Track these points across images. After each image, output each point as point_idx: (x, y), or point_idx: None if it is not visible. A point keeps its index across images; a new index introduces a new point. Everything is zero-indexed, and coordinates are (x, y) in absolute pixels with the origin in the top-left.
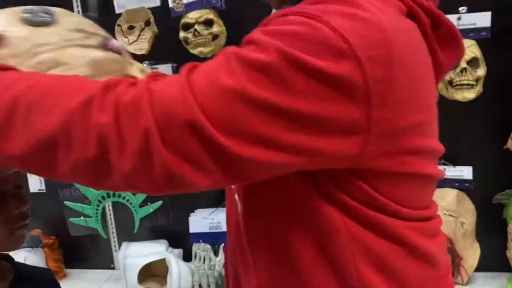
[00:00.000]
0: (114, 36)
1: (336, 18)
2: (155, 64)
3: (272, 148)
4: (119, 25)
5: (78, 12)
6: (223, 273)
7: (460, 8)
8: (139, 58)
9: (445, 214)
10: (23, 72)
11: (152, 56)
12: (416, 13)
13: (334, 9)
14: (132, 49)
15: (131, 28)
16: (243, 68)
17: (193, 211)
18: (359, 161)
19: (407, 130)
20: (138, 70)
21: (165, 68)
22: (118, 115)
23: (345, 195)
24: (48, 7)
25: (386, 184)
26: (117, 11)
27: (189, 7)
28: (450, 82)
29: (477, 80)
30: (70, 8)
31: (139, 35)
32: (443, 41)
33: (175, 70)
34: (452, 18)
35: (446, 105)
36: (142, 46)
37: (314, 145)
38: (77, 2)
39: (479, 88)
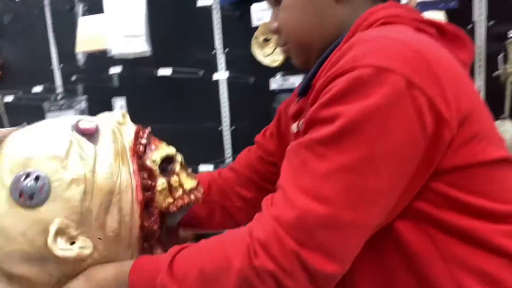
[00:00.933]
0: (250, 48)
1: (370, 57)
2: (287, 75)
3: (394, 187)
4: (256, 38)
5: (218, 29)
6: None
7: None
8: (272, 69)
9: None
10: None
11: (285, 68)
12: (422, 27)
13: (363, 51)
14: (267, 61)
15: (266, 40)
16: (327, 146)
17: None
18: (445, 154)
19: (467, 118)
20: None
21: (297, 79)
22: (269, 251)
23: (426, 203)
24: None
25: (464, 180)
26: (254, 24)
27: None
28: None
29: None
30: (210, 24)
31: (275, 49)
32: (455, 43)
33: None
34: None
35: None
36: (276, 58)
37: (421, 155)
38: (217, 14)
39: None
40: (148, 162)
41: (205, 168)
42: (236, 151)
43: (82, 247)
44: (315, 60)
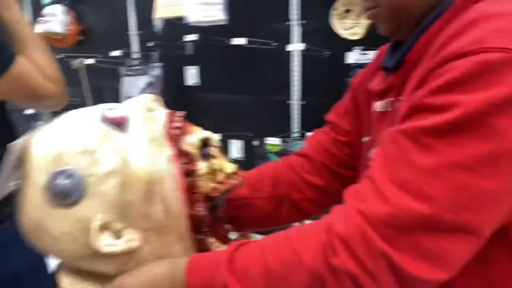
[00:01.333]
0: (327, 20)
1: (501, 38)
2: (366, 50)
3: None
4: (335, 9)
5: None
6: None
7: None
8: (349, 43)
9: None
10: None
11: (365, 42)
12: None
13: (490, 30)
14: (346, 33)
15: (347, 12)
16: (436, 138)
17: None
18: None
19: None
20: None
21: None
22: (352, 249)
23: None
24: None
25: None
26: None
27: None
28: None
29: None
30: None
31: (356, 21)
32: None
33: None
34: None
35: None
36: (357, 31)
37: None
38: None
39: None
40: (186, 146)
41: (272, 141)
42: (304, 126)
43: (129, 240)
44: (408, 28)
